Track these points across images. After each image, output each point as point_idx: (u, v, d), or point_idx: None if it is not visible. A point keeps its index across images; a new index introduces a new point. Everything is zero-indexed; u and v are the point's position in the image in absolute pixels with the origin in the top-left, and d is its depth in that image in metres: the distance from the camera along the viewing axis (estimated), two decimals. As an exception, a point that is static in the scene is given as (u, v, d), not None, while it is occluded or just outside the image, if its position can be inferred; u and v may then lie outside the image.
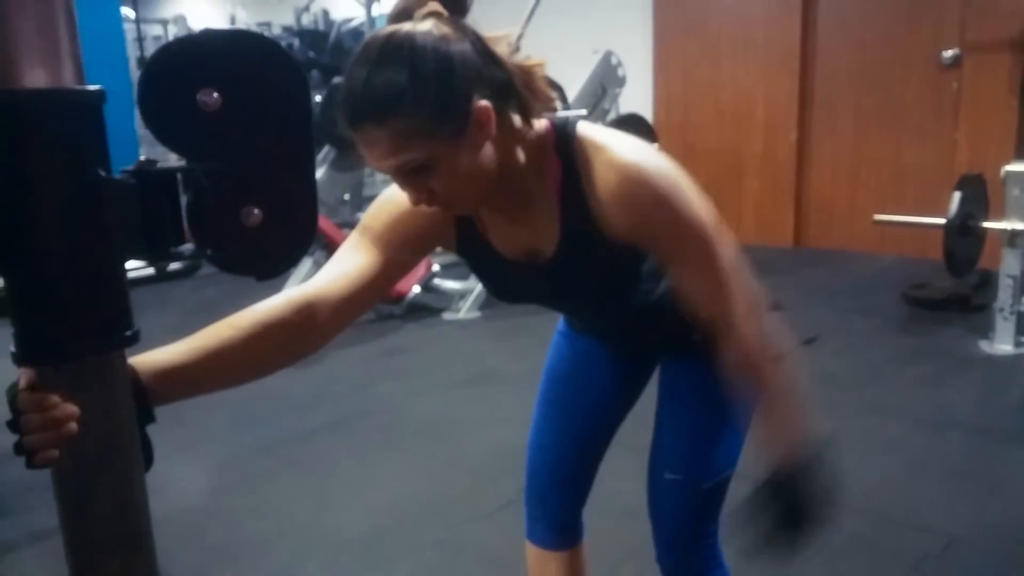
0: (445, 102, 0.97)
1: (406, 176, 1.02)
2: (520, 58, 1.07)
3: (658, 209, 1.07)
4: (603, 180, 1.07)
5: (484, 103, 1.00)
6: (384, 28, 1.01)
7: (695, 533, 1.41)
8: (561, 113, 1.13)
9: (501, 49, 1.04)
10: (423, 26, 0.99)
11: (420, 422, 3.28)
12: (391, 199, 1.18)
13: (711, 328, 1.15)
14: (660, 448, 1.41)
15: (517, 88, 1.05)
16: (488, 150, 1.04)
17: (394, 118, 0.96)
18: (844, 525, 2.39)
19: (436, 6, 1.01)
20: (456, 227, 1.21)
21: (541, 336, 1.59)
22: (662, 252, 1.15)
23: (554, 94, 1.12)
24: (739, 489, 1.44)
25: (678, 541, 1.42)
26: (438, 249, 1.27)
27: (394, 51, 0.97)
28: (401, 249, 1.16)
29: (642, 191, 1.06)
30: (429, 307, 4.80)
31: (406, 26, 0.99)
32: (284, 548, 2.41)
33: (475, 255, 1.24)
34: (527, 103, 1.06)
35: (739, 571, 1.47)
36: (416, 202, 1.05)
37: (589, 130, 1.11)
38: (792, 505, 1.15)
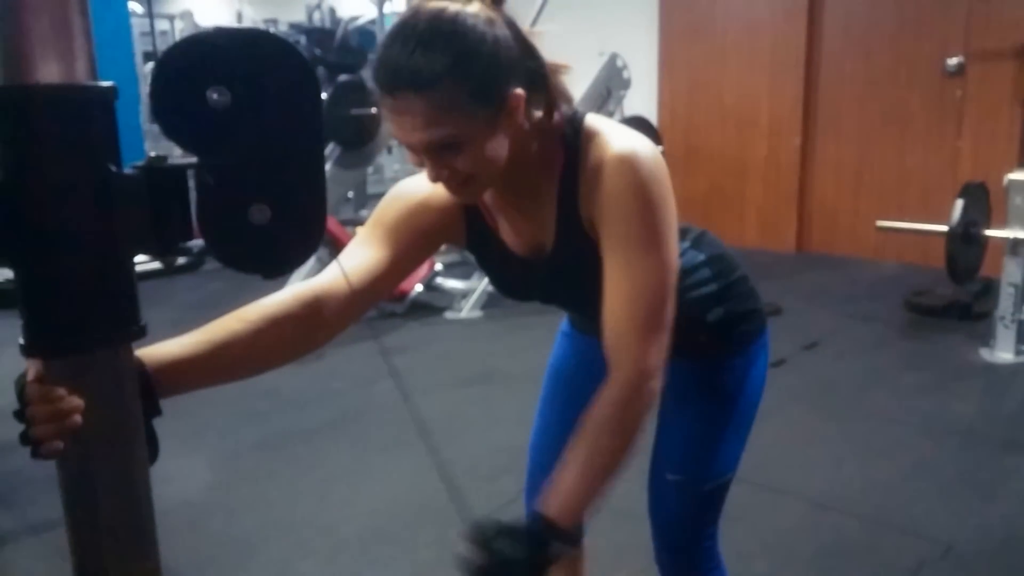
0: (486, 83, 0.99)
1: (434, 152, 1.02)
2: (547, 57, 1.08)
3: (632, 193, 1.04)
4: (592, 159, 1.08)
5: (519, 91, 1.02)
6: (429, 3, 1.00)
7: (695, 534, 1.41)
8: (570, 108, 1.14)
9: (535, 43, 1.07)
10: (471, 8, 1.00)
11: (420, 421, 3.28)
12: (401, 194, 1.19)
13: (608, 346, 1.07)
14: (662, 449, 1.42)
15: (548, 82, 1.07)
16: (510, 137, 1.05)
17: (435, 91, 0.97)
18: (842, 531, 2.40)
19: None
20: (466, 221, 1.21)
21: (542, 336, 1.59)
22: (611, 238, 1.07)
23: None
24: (738, 492, 1.45)
25: (678, 542, 1.43)
26: (442, 247, 1.28)
27: (445, 26, 0.98)
28: (411, 243, 1.17)
29: (626, 170, 1.05)
30: (431, 306, 4.81)
31: (454, 5, 1.00)
32: (283, 544, 2.42)
33: (484, 250, 1.25)
34: (554, 98, 1.08)
35: (736, 572, 1.48)
36: (435, 179, 1.05)
37: (593, 120, 1.12)
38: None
